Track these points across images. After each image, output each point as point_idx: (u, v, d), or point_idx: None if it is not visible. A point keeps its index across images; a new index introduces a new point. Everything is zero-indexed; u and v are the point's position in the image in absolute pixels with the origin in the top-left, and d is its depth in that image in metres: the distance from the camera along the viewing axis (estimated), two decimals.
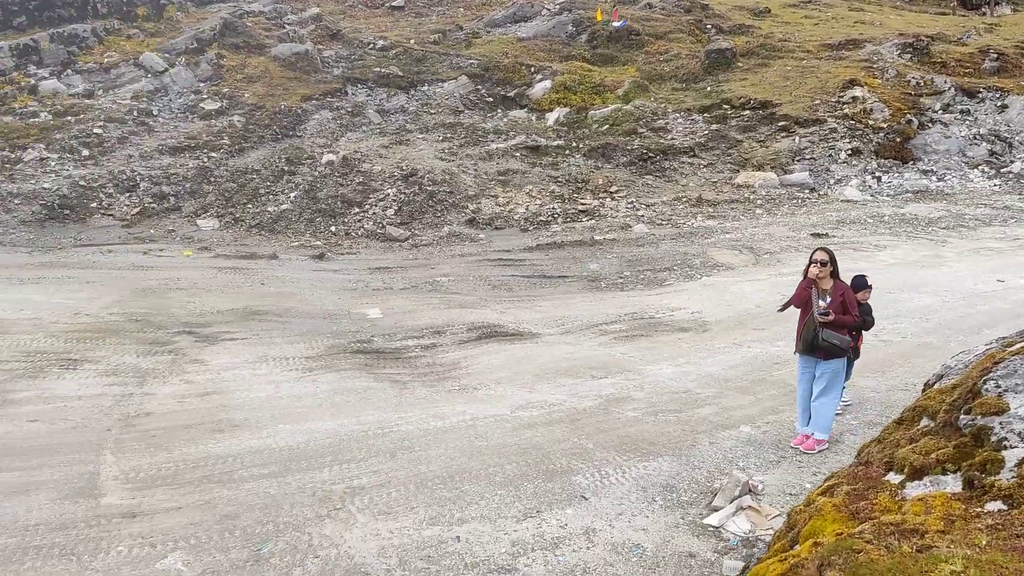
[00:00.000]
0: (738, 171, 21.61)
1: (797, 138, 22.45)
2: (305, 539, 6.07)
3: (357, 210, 18.61)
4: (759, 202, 19.96)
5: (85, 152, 19.49)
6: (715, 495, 6.58)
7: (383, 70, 25.31)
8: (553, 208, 19.15)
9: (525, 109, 24.92)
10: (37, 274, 13.94)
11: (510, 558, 5.78)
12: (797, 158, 21.83)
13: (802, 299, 7.54)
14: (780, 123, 23.00)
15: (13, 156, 18.80)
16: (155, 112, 21.90)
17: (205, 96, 22.91)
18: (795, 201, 20.10)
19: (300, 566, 5.72)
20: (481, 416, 8.48)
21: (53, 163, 18.86)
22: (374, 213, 18.46)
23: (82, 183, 18.37)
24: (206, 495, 6.76)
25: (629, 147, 21.99)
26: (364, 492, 6.79)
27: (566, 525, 6.22)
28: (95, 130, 20.29)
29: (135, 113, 21.47)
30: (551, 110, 24.51)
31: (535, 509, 6.47)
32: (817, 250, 7.55)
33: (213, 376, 9.62)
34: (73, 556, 5.85)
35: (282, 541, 6.05)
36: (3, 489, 6.79)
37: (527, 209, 19.04)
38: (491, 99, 25.18)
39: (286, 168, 19.72)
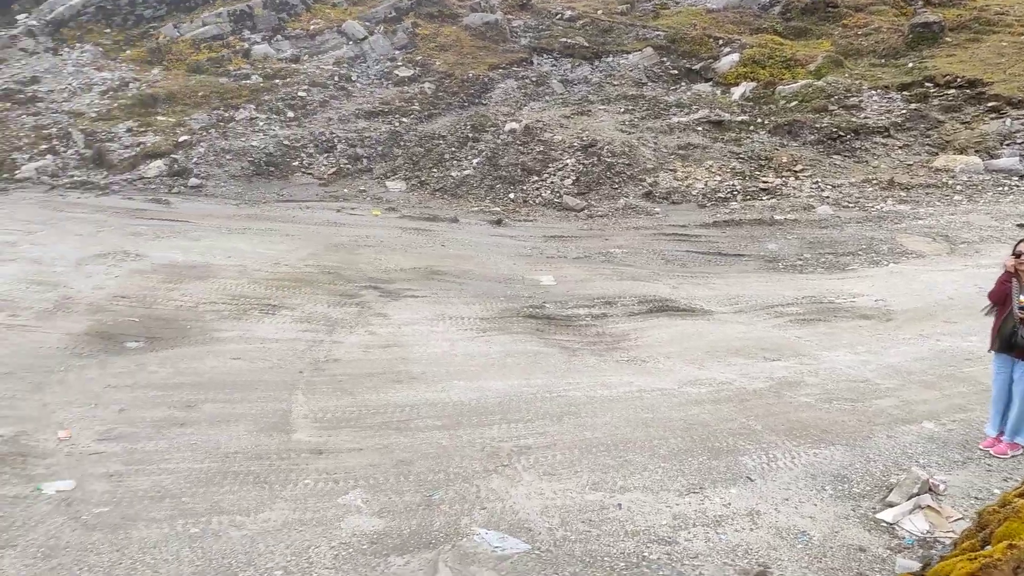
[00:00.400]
0: (937, 154, 20.11)
1: (1009, 120, 20.58)
2: (473, 491, 6.35)
3: (536, 178, 18.90)
4: (958, 188, 18.54)
5: (290, 114, 20.94)
6: (890, 491, 6.32)
7: (569, 40, 25.40)
8: (733, 185, 18.65)
9: (710, 83, 24.28)
10: (243, 225, 15.17)
11: (671, 531, 5.83)
12: (1007, 142, 20.03)
13: (1001, 294, 7.03)
14: (990, 103, 21.14)
15: (227, 115, 20.47)
16: (354, 78, 23.12)
17: (400, 63, 23.92)
18: (1001, 188, 18.51)
19: (467, 515, 5.99)
20: (648, 389, 8.52)
21: (261, 123, 20.39)
22: (552, 182, 18.69)
23: (286, 142, 19.78)
24: (384, 440, 7.20)
25: (818, 125, 20.98)
26: (530, 452, 7.01)
27: (730, 504, 6.19)
28: (299, 93, 21.73)
29: (336, 78, 22.77)
30: (737, 84, 23.74)
31: (698, 485, 6.47)
32: (1021, 241, 7.01)
33: (395, 330, 10.17)
34: (266, 484, 6.38)
35: (451, 490, 6.35)
36: (208, 418, 7.50)
37: (706, 185, 18.65)
38: (675, 72, 24.72)
39: (471, 135, 20.31)
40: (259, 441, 7.10)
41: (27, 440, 6.91)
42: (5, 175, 17.84)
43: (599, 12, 27.66)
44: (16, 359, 8.59)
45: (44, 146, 18.86)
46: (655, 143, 20.23)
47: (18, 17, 25.11)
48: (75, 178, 17.95)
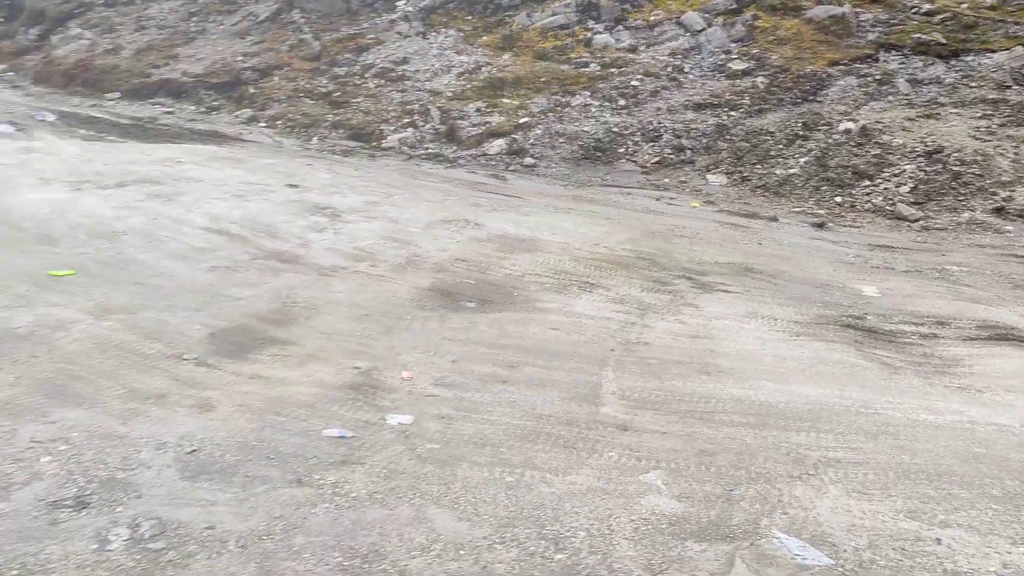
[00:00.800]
0: None
1: None
2: (775, 493, 6.25)
3: (867, 183, 17.80)
4: None
5: (621, 102, 21.58)
6: None
7: (923, 37, 23.38)
8: None
9: None
10: (568, 205, 15.97)
11: None
12: None
13: None
14: None
15: (564, 100, 21.61)
16: (686, 69, 23.20)
17: (734, 56, 23.56)
18: None
19: (767, 517, 5.92)
20: (982, 421, 7.79)
21: (594, 109, 21.25)
22: (885, 188, 17.50)
23: (615, 129, 20.45)
24: (687, 428, 7.30)
25: None
26: (839, 465, 6.75)
27: None
28: (632, 83, 22.29)
29: (669, 69, 23.01)
30: None
31: None
32: None
33: (704, 322, 10.19)
34: (573, 450, 6.74)
35: (752, 489, 6.30)
36: (527, 380, 8.06)
37: None
38: None
39: (800, 133, 19.56)
40: (570, 408, 7.53)
41: (378, 375, 7.93)
42: (374, 143, 20.43)
43: (963, 6, 25.09)
44: (374, 304, 9.87)
45: (406, 120, 21.26)
46: (1015, 154, 18.10)
47: (398, 3, 28.32)
48: (429, 150, 20.05)
